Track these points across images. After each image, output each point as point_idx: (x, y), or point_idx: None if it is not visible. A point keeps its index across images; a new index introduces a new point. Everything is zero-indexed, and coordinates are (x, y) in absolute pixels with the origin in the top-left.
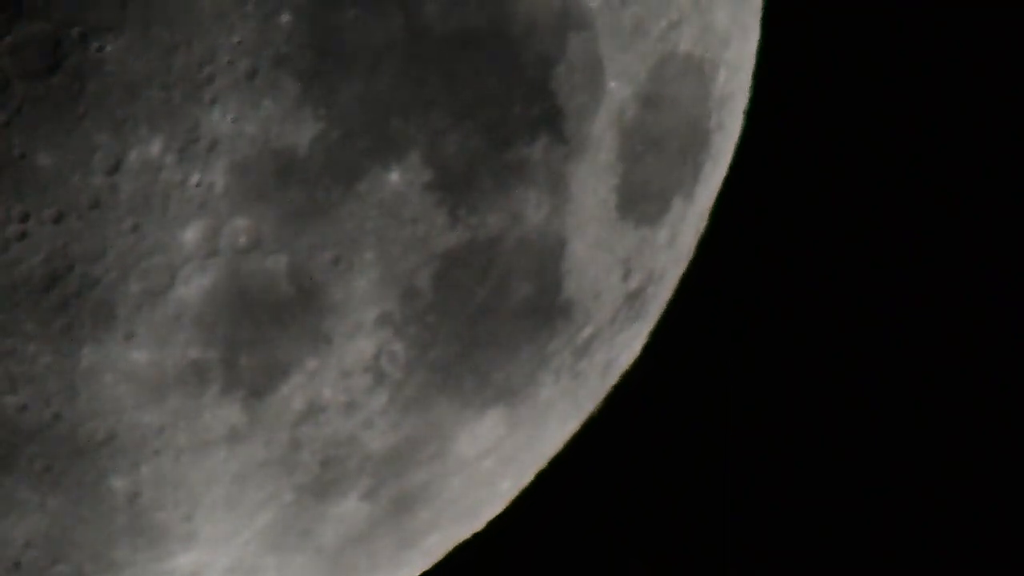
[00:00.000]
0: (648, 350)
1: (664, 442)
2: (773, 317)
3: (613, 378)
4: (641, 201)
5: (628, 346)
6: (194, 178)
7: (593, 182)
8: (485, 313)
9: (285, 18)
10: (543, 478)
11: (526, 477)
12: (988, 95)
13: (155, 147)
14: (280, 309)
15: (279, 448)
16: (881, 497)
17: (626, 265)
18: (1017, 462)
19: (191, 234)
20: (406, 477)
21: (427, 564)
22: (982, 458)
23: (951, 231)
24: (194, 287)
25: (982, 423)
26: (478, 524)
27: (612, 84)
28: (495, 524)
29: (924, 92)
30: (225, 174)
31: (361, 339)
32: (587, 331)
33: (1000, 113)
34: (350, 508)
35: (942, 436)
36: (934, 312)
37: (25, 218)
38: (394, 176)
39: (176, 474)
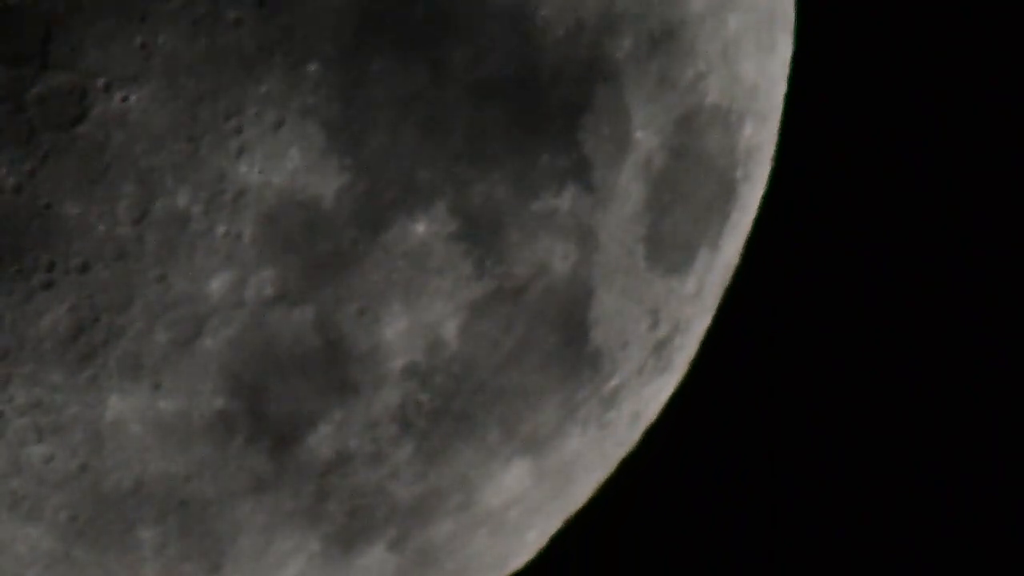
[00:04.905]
0: (675, 400)
1: (690, 493)
2: (801, 368)
3: (640, 428)
4: (668, 251)
5: (655, 396)
6: (220, 229)
7: (620, 232)
8: (511, 363)
9: (312, 68)
10: (569, 529)
11: (552, 528)
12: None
13: (181, 197)
14: (306, 360)
15: (306, 498)
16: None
17: (653, 315)
18: None
19: (217, 285)
20: (432, 527)
21: None
22: None
23: (989, 282)
24: (220, 337)
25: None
26: (504, 575)
27: (639, 134)
28: (520, 575)
29: (946, 143)
30: (251, 225)
31: (387, 389)
32: (614, 381)
33: None
34: (376, 559)
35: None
36: (972, 377)
37: (51, 267)
38: (420, 226)
39: (203, 524)
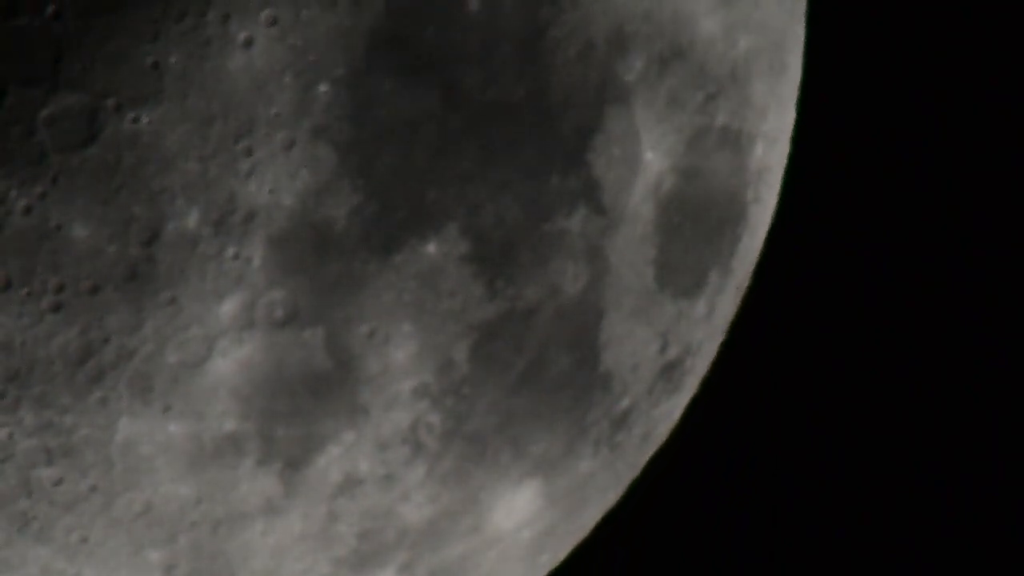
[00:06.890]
0: (685, 422)
1: (702, 514)
2: (811, 389)
3: (651, 450)
4: (678, 273)
5: (665, 418)
6: (231, 250)
7: (630, 254)
8: (522, 385)
9: (323, 89)
10: (580, 551)
11: (564, 550)
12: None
13: (192, 219)
14: (317, 381)
15: (316, 521)
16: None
17: (664, 337)
18: None
19: (228, 306)
20: (443, 550)
21: None
22: None
23: (1002, 315)
24: (231, 359)
25: None
26: None
27: (649, 156)
28: None
29: (958, 157)
30: (262, 246)
31: (398, 411)
32: (625, 403)
33: None
34: None
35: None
36: (984, 404)
37: (61, 289)
38: (431, 248)
39: (213, 546)
